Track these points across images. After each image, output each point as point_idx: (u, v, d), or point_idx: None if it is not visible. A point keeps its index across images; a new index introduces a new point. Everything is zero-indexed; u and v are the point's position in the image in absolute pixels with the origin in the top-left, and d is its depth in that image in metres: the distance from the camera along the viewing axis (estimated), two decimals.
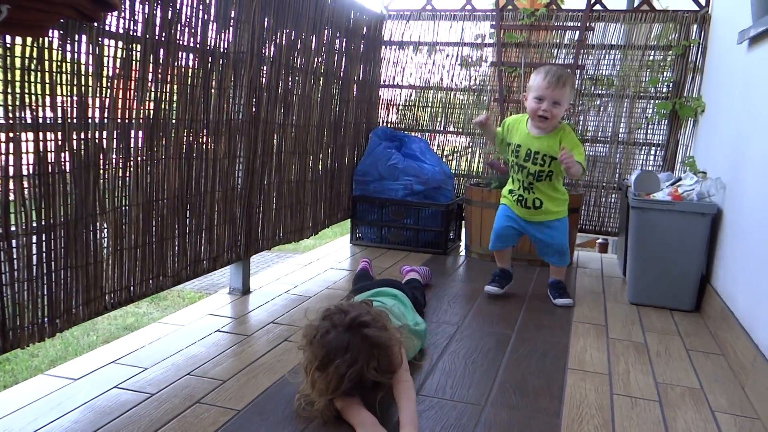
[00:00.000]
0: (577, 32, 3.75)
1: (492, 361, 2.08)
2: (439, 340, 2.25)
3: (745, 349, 2.03)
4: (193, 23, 2.09)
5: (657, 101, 3.69)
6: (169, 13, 1.96)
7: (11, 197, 1.49)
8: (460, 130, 4.13)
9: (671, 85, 3.66)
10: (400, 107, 4.28)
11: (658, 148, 3.76)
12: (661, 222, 2.70)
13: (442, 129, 4.19)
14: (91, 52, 1.67)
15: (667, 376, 2.04)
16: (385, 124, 4.25)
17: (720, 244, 2.63)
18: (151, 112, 1.95)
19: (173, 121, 2.06)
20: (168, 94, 2.01)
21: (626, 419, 1.73)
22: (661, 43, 3.68)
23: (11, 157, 1.47)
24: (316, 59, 3.04)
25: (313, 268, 3.25)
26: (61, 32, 1.57)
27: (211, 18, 2.18)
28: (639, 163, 3.81)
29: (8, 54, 1.44)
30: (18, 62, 1.47)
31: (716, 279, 2.63)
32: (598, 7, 3.75)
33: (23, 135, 1.50)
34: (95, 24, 1.64)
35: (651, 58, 3.72)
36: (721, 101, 3.06)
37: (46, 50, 1.53)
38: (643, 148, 3.80)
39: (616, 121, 3.81)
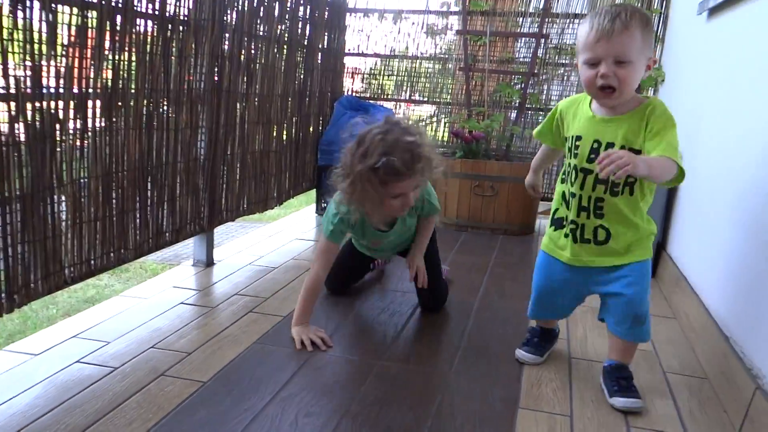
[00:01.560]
0: (542, 1, 3.75)
1: (455, 328, 2.12)
2: (403, 309, 2.28)
3: (697, 313, 2.11)
4: None
5: None
6: None
7: None
8: (426, 98, 4.12)
9: None
10: (366, 76, 4.25)
11: None
12: None
13: (407, 98, 4.18)
14: (44, 18, 1.61)
15: None
16: (350, 93, 4.22)
17: (675, 213, 2.71)
18: (109, 81, 1.90)
19: (132, 90, 2.01)
20: (126, 62, 1.96)
21: (582, 381, 1.79)
22: None
23: None
24: (279, 26, 2.99)
25: (277, 238, 3.24)
26: None
27: None
28: None
29: None
30: None
31: (671, 246, 2.72)
32: None
33: None
34: None
35: None
36: (680, 72, 3.11)
37: None
38: None
39: (579, 90, 3.84)
